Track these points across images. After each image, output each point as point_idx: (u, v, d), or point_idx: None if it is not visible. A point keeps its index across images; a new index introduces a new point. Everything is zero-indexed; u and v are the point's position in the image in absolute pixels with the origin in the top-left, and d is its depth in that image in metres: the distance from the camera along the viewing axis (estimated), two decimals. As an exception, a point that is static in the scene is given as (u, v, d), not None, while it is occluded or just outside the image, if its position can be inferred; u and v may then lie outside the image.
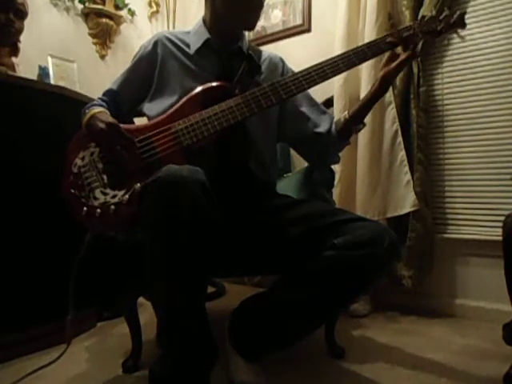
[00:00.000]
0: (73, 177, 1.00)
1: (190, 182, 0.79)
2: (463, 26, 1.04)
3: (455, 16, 1.03)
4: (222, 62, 1.13)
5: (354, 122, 1.16)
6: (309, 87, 1.02)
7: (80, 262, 1.02)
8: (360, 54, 1.03)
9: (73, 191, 0.99)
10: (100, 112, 1.03)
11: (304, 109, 1.22)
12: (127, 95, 1.16)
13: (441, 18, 1.04)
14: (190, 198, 0.79)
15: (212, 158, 1.00)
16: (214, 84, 1.05)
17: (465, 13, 1.03)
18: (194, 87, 1.04)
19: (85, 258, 1.02)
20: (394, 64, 1.05)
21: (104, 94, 1.17)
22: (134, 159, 0.96)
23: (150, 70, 1.13)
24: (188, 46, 1.14)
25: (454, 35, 1.07)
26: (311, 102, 1.24)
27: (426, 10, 1.64)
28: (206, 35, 1.13)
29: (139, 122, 1.17)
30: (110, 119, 0.99)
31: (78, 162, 1.01)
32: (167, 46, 1.14)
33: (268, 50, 1.29)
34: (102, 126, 0.97)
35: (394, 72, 1.07)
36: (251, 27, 1.14)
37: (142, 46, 1.18)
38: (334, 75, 1.03)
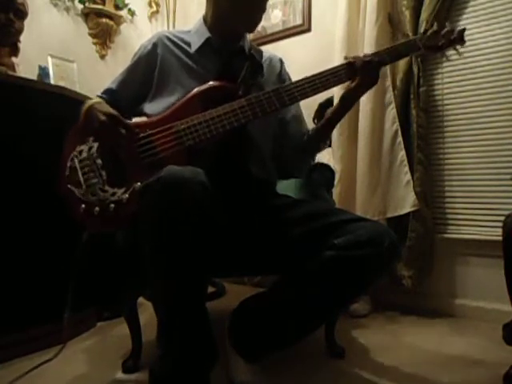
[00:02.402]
0: (69, 172, 0.99)
1: (192, 183, 0.79)
2: (462, 42, 1.06)
3: (455, 32, 1.05)
4: (222, 61, 1.12)
5: (318, 139, 1.17)
6: (313, 94, 1.02)
7: (79, 261, 1.01)
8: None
9: (69, 187, 0.98)
10: (98, 103, 1.01)
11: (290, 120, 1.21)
12: (126, 95, 1.15)
13: (442, 33, 1.05)
14: (192, 199, 0.79)
15: (212, 159, 1.00)
16: (217, 84, 1.04)
17: (464, 30, 1.06)
18: (195, 86, 1.04)
19: (83, 257, 1.02)
20: (352, 85, 1.03)
21: (104, 93, 1.16)
22: (134, 157, 0.96)
23: (150, 70, 1.12)
24: (188, 44, 1.13)
25: (452, 51, 1.09)
26: (299, 118, 1.24)
27: (426, 11, 1.65)
28: (206, 34, 1.12)
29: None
30: (111, 110, 0.98)
31: (76, 156, 1.00)
32: (167, 46, 1.13)
33: (268, 50, 1.29)
34: (102, 118, 0.95)
35: (354, 92, 1.05)
36: (251, 29, 1.14)
37: (142, 45, 1.17)
38: (336, 85, 1.04)
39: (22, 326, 1.34)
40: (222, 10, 1.10)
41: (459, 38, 1.05)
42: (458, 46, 1.07)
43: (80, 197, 0.97)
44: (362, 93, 1.06)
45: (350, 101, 1.08)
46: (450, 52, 1.09)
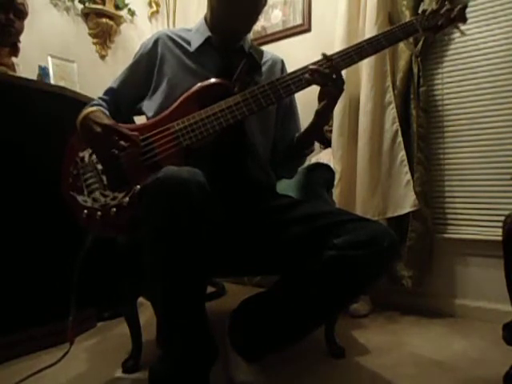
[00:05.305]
0: (72, 179, 1.00)
1: (190, 184, 0.79)
2: (464, 20, 1.00)
3: (456, 10, 1.00)
4: (222, 60, 1.12)
5: (301, 146, 1.18)
6: (308, 85, 1.00)
7: (82, 264, 1.01)
8: (360, 50, 1.01)
9: (72, 193, 0.98)
10: (94, 112, 0.99)
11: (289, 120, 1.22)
12: (127, 93, 1.15)
13: (441, 12, 1.01)
14: (190, 200, 0.78)
15: (210, 159, 1.00)
16: (212, 81, 1.04)
17: (466, 6, 1.00)
18: (193, 85, 1.04)
19: (86, 258, 1.02)
20: (323, 101, 1.01)
21: (105, 94, 1.16)
22: (133, 160, 0.96)
23: (150, 69, 1.12)
24: (189, 43, 1.13)
25: (454, 30, 1.04)
26: (295, 116, 1.25)
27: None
28: (207, 33, 1.12)
29: (139, 121, 1.16)
30: (106, 120, 0.96)
31: (78, 163, 1.00)
32: (167, 45, 1.13)
33: (268, 49, 1.28)
34: (97, 129, 0.94)
35: (327, 107, 1.02)
36: (243, 29, 1.12)
37: (143, 44, 1.17)
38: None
39: (22, 325, 1.34)
40: (215, 9, 1.10)
41: (460, 16, 0.99)
42: (459, 25, 1.01)
43: (82, 203, 0.97)
44: (331, 102, 1.01)
45: (322, 113, 1.04)
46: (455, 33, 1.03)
